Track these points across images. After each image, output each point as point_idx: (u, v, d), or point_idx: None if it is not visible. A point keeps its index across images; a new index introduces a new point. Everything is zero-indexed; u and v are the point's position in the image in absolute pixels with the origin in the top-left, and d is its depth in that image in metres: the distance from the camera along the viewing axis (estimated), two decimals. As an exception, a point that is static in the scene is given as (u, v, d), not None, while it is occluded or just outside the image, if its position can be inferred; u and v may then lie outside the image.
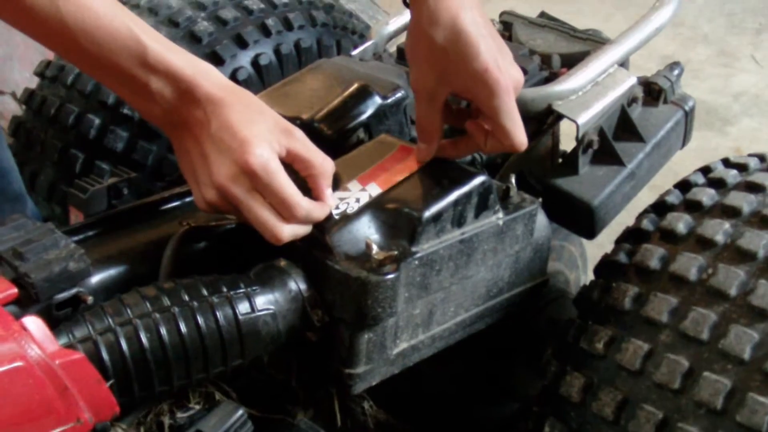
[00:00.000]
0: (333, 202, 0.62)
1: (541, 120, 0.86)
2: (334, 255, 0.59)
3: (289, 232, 0.58)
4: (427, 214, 0.61)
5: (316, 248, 0.60)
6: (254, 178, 0.56)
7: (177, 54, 0.56)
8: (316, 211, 0.59)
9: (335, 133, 0.76)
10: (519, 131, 0.64)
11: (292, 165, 0.60)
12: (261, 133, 0.56)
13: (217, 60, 1.05)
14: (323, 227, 0.60)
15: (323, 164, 0.61)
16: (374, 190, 0.64)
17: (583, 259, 1.09)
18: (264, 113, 0.59)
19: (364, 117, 0.78)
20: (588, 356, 0.68)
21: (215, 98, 0.57)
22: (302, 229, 0.59)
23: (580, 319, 0.72)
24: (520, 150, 0.65)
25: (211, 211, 0.60)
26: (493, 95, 0.62)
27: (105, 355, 0.51)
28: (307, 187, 0.61)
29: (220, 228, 0.65)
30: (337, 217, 0.61)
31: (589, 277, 1.06)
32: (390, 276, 0.57)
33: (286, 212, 0.57)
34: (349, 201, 0.63)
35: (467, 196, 0.64)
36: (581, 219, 0.84)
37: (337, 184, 0.64)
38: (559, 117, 0.85)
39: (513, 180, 0.71)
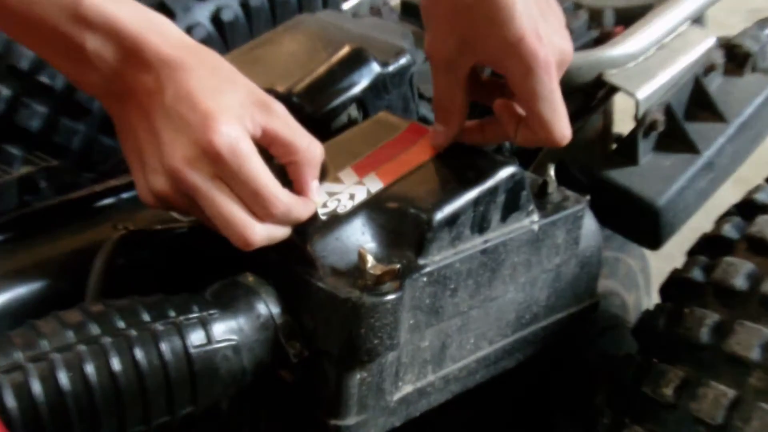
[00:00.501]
0: (320, 198, 0.62)
1: (590, 94, 0.86)
2: (317, 269, 0.59)
3: (262, 234, 0.58)
4: (440, 215, 0.61)
5: (293, 259, 0.60)
6: (219, 162, 0.56)
7: (120, 4, 0.57)
8: (299, 208, 0.60)
9: (320, 109, 0.76)
10: (560, 122, 0.64)
11: (268, 149, 0.60)
12: (230, 105, 0.57)
13: (165, 14, 1.04)
14: (305, 232, 0.60)
15: (309, 149, 0.61)
16: (374, 183, 0.65)
17: (646, 276, 1.09)
18: (235, 82, 0.59)
19: (357, 89, 0.78)
20: (653, 405, 0.67)
21: (171, 60, 0.57)
22: (279, 232, 0.59)
23: (641, 355, 0.72)
24: (559, 145, 0.65)
25: (159, 207, 0.60)
26: (528, 73, 0.61)
27: (11, 401, 0.50)
28: (287, 179, 0.61)
29: (168, 232, 0.65)
30: (323, 217, 0.61)
31: (654, 299, 1.05)
32: (390, 297, 0.57)
33: (259, 208, 0.58)
34: (340, 197, 0.63)
35: (492, 192, 0.64)
36: (642, 223, 0.84)
37: (324, 174, 0.65)
38: (613, 90, 0.85)
39: (552, 172, 0.71)
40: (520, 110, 0.65)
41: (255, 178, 0.57)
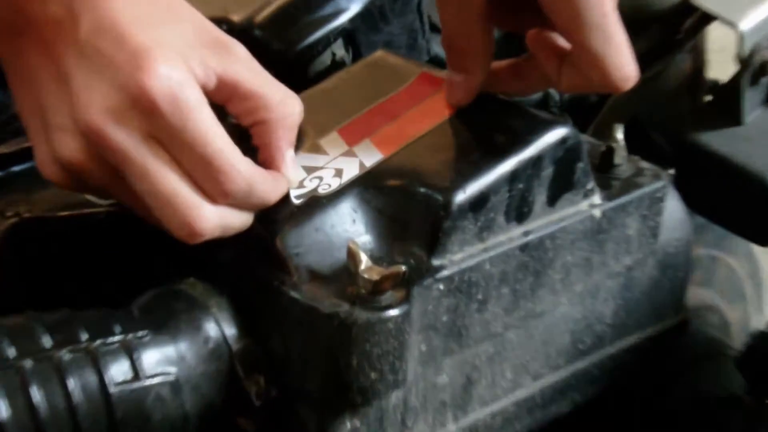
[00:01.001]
0: (296, 175, 0.63)
1: (673, 25, 0.86)
2: (290, 272, 0.59)
3: (213, 220, 0.58)
4: (462, 197, 0.62)
5: (257, 259, 0.60)
6: (154, 115, 0.56)
7: None
8: (265, 184, 0.60)
9: (292, 47, 0.77)
10: (618, 57, 0.63)
11: (226, 105, 0.61)
12: (171, 41, 0.57)
13: None
14: (273, 220, 0.61)
15: (284, 105, 0.61)
16: (370, 153, 0.65)
17: (756, 283, 1.09)
18: (178, 13, 0.60)
19: (344, 18, 0.78)
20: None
21: None
22: (237, 219, 0.60)
23: (751, 396, 0.72)
24: (619, 90, 0.65)
25: (66, 184, 0.60)
26: None
27: None
28: (251, 147, 0.62)
29: (77, 220, 0.65)
30: (297, 201, 0.62)
31: None
32: (393, 312, 0.57)
33: (210, 182, 0.58)
34: (323, 174, 0.64)
35: (535, 164, 0.65)
36: (750, 208, 0.85)
37: (299, 140, 0.65)
38: (706, 19, 0.85)
39: (620, 135, 0.71)
40: (563, 43, 0.65)
41: (205, 138, 0.57)
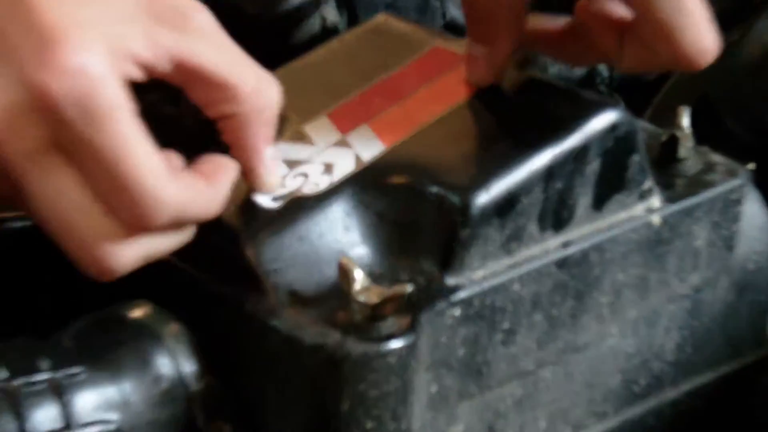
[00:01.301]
0: (276, 177, 0.63)
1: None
2: (266, 293, 0.60)
3: (130, 255, 0.58)
4: (485, 198, 0.62)
5: (222, 277, 0.61)
6: (57, 122, 0.55)
7: None
8: (203, 198, 0.59)
9: (269, 10, 0.77)
10: (695, 26, 0.64)
11: (185, 91, 0.61)
12: (98, 18, 0.57)
13: None
14: (242, 227, 0.61)
15: (257, 94, 0.61)
16: (368, 143, 0.66)
17: None
18: None
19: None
20: None
21: None
22: (166, 242, 0.59)
23: None
24: (697, 66, 0.66)
25: None
26: None
27: None
28: (212, 135, 0.62)
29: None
30: (275, 203, 0.62)
31: None
32: (395, 344, 0.57)
33: (126, 213, 0.57)
34: (308, 169, 0.65)
35: (577, 157, 0.65)
36: None
37: (280, 127, 0.65)
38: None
39: (686, 120, 0.72)
40: (623, 12, 0.65)
41: (118, 157, 0.55)
